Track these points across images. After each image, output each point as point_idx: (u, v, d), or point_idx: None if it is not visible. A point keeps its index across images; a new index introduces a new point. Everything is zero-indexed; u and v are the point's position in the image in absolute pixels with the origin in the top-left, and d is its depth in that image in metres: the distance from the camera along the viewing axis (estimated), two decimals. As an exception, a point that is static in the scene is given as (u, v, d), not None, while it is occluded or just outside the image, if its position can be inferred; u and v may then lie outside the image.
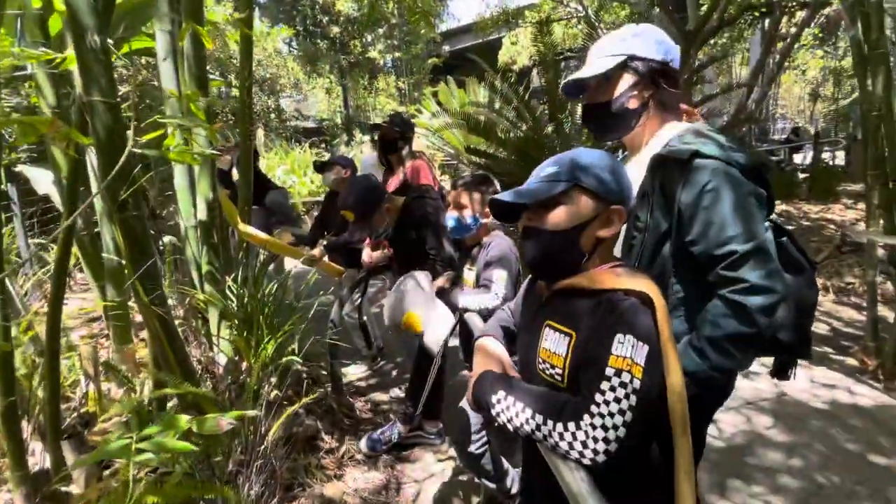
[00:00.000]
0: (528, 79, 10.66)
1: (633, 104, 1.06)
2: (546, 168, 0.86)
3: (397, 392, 2.63)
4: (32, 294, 2.91)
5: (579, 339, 0.79)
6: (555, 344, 0.83)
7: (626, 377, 0.71)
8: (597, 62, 1.07)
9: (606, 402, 0.71)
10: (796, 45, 8.95)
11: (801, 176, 7.67)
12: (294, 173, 8.44)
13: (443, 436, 2.18)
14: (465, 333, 1.69)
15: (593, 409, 0.71)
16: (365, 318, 2.94)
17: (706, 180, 0.92)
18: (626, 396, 0.70)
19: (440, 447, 2.16)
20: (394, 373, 2.93)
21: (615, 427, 0.70)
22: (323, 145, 13.43)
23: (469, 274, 1.71)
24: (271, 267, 2.99)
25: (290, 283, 2.38)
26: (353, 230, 2.03)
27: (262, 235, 2.57)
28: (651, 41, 1.05)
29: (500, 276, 1.53)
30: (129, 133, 1.21)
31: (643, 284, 0.76)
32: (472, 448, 1.48)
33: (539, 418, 0.76)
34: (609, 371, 0.72)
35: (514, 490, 1.69)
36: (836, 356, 2.96)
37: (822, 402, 2.47)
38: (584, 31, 9.03)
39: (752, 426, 2.29)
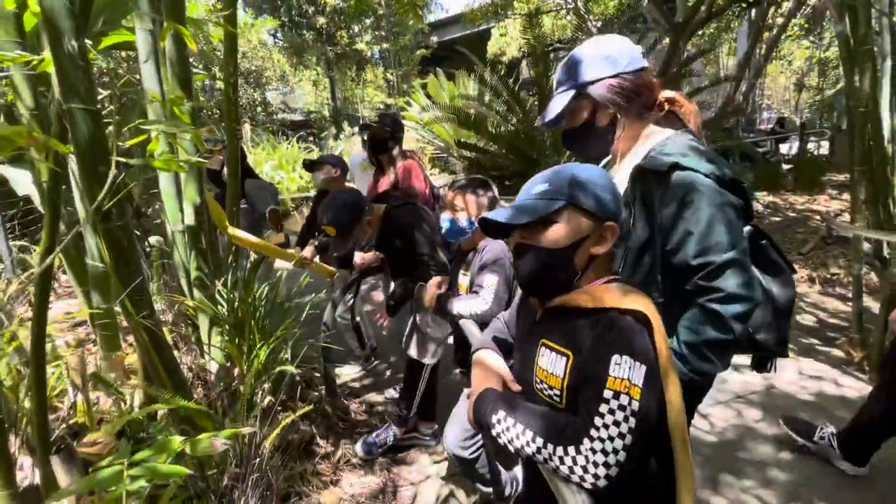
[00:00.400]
0: (517, 70, 10.60)
1: (601, 123, 1.10)
2: (538, 185, 0.85)
3: (392, 392, 2.62)
4: (15, 300, 2.83)
5: (576, 360, 0.78)
6: (551, 364, 0.82)
7: (624, 399, 0.70)
8: (555, 99, 1.11)
9: (605, 426, 0.70)
10: (783, 36, 9.01)
11: (786, 167, 7.76)
12: (282, 169, 8.31)
13: (438, 437, 2.18)
14: (459, 338, 1.69)
15: (592, 433, 0.71)
16: (358, 318, 2.92)
17: (685, 192, 0.95)
18: (625, 419, 0.70)
19: (436, 448, 2.16)
20: (387, 373, 2.93)
21: (615, 451, 0.70)
22: (311, 138, 13.26)
23: (464, 279, 1.69)
24: (261, 268, 2.95)
25: (282, 285, 2.35)
26: (336, 244, 2.00)
27: (252, 238, 2.53)
28: (597, 61, 1.07)
29: (490, 282, 1.52)
30: (111, 130, 1.16)
31: (640, 302, 0.76)
32: (466, 453, 1.48)
33: (539, 441, 0.76)
34: (607, 393, 0.71)
35: (508, 492, 1.70)
36: (822, 347, 3.01)
37: (809, 395, 2.52)
38: (572, 22, 8.99)
39: (742, 420, 2.33)
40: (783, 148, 10.15)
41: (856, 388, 2.55)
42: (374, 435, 2.12)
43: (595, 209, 0.81)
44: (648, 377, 0.72)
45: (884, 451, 1.88)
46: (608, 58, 1.06)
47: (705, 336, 0.94)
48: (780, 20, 8.07)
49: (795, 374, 2.70)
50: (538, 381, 0.84)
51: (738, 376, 2.65)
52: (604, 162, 1.29)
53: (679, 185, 0.95)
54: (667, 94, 1.13)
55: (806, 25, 11.04)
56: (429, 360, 1.95)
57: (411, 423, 2.18)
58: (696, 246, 0.94)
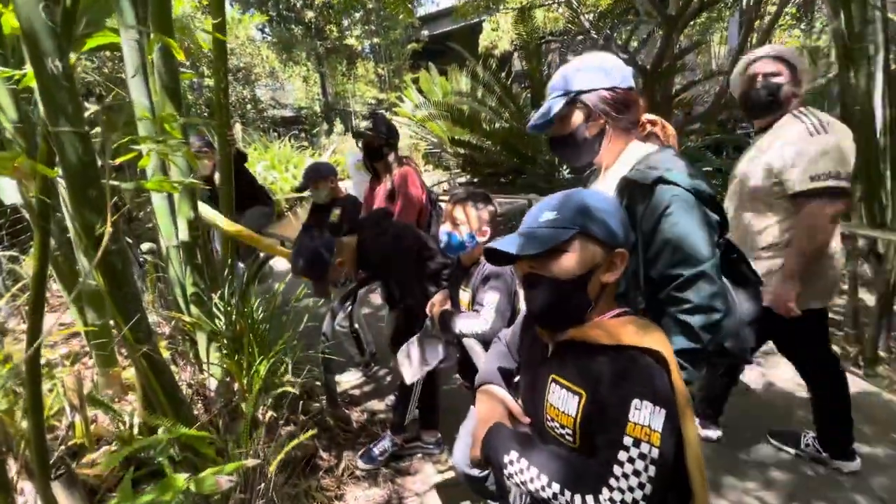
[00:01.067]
0: (509, 64, 10.50)
1: (591, 132, 1.13)
2: (545, 213, 0.84)
3: (392, 399, 2.62)
4: (8, 313, 2.78)
5: (589, 399, 0.77)
6: (563, 402, 0.80)
7: (644, 448, 0.69)
8: (548, 103, 1.14)
9: (625, 476, 0.69)
10: (774, 26, 8.98)
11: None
12: (275, 169, 8.23)
13: (441, 445, 2.18)
14: (462, 356, 1.68)
15: (612, 482, 0.69)
16: (356, 324, 2.90)
17: (666, 206, 0.99)
18: (645, 468, 0.69)
19: (439, 457, 2.16)
20: (388, 378, 2.92)
21: (634, 502, 0.68)
22: (303, 135, 13.12)
23: (464, 294, 1.67)
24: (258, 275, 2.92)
25: (279, 295, 2.32)
26: (315, 289, 1.99)
27: (249, 233, 2.46)
28: (595, 72, 1.11)
29: (491, 300, 1.51)
30: (99, 130, 1.12)
31: (657, 339, 0.75)
32: (476, 471, 1.48)
33: (556, 487, 0.74)
34: (627, 440, 0.70)
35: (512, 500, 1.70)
36: (818, 343, 3.03)
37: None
38: (564, 14, 8.90)
39: (741, 419, 2.34)
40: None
41: (851, 384, 2.56)
42: (373, 445, 2.11)
43: (605, 237, 0.80)
44: (668, 420, 0.70)
45: (880, 448, 1.90)
46: (603, 69, 1.11)
47: (677, 345, 0.97)
48: (772, 9, 8.05)
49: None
50: (549, 418, 0.82)
51: (736, 374, 2.66)
52: (588, 173, 1.32)
53: (661, 198, 0.99)
54: (649, 116, 1.18)
55: (797, 15, 11.03)
56: (414, 379, 1.89)
57: (413, 431, 2.17)
58: (670, 257, 0.98)
